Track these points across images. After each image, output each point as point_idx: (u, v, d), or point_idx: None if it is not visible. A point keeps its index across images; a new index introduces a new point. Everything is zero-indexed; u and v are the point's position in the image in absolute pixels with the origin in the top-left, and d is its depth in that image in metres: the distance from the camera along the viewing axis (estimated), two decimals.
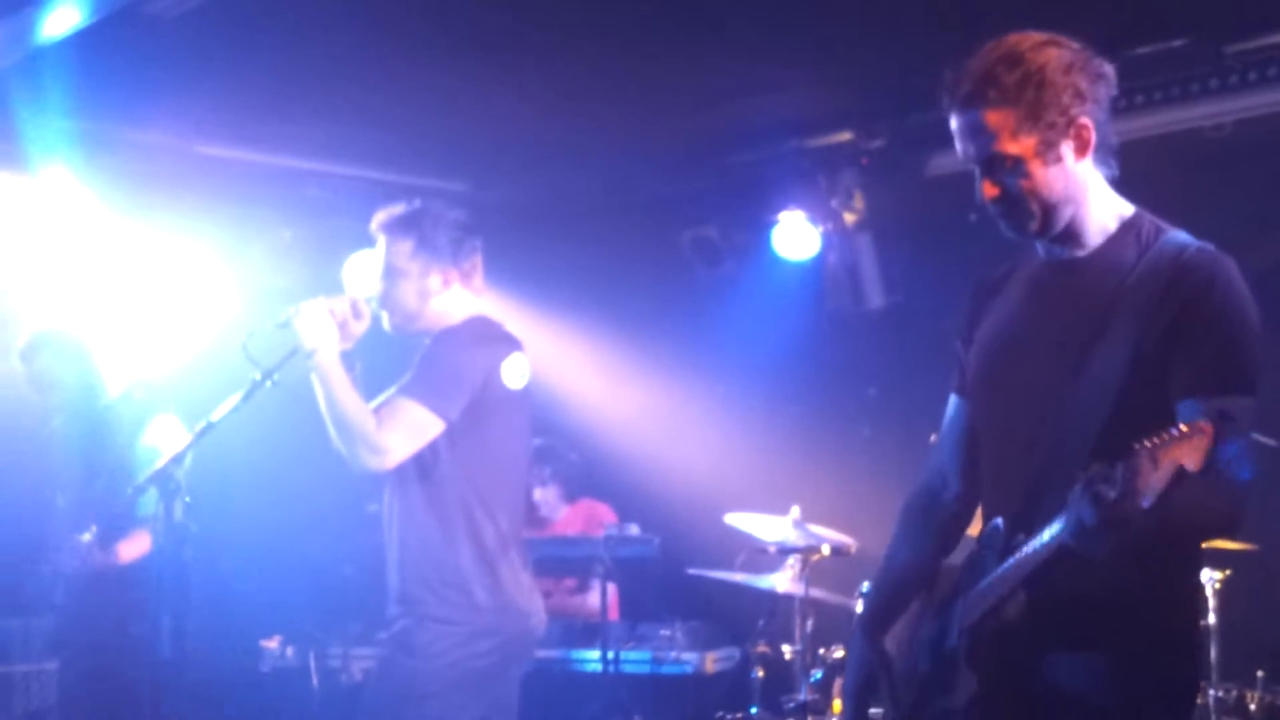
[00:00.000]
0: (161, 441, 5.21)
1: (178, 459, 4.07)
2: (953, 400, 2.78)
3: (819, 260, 6.62)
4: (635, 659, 5.86)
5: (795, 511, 5.57)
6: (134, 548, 5.03)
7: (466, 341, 3.95)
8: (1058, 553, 2.28)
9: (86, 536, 4.99)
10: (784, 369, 6.82)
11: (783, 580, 5.56)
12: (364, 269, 6.77)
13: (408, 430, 3.83)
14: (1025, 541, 2.39)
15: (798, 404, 6.89)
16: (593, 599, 6.20)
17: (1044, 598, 2.40)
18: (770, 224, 6.60)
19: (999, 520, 2.52)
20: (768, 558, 5.70)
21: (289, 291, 6.66)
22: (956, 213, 6.21)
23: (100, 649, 5.08)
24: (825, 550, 5.35)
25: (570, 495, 6.56)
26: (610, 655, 5.75)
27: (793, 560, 5.54)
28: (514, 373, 3.96)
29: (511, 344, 4.01)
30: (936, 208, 6.19)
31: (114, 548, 5.02)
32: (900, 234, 6.49)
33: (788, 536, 5.53)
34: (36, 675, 6.00)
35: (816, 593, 5.47)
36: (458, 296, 4.04)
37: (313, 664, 5.99)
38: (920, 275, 6.42)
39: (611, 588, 6.15)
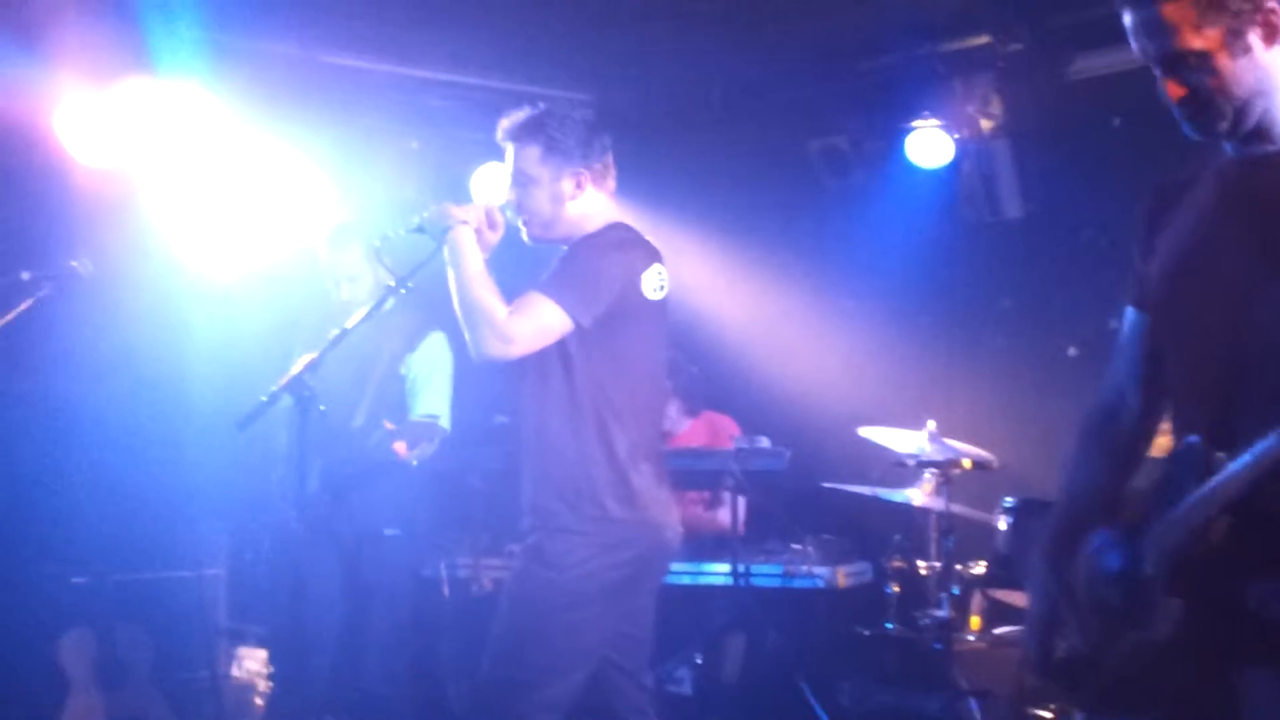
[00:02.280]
0: (431, 357, 5.31)
1: (312, 366, 4.08)
2: (1129, 313, 2.60)
3: (953, 168, 6.43)
4: (765, 573, 5.78)
5: (931, 425, 5.46)
6: (404, 449, 5.00)
7: (606, 248, 3.87)
8: (1271, 472, 2.12)
9: (390, 425, 4.96)
10: (914, 280, 6.66)
11: (919, 495, 5.46)
12: (491, 181, 6.75)
13: (537, 323, 3.75)
14: (1227, 460, 2.22)
15: (928, 316, 6.74)
16: (722, 513, 6.15)
17: (1255, 520, 2.22)
18: (902, 132, 6.41)
19: (1194, 438, 2.34)
20: (901, 472, 5.60)
21: (416, 202, 6.66)
22: (1099, 117, 6.02)
23: (347, 547, 5.14)
24: (967, 464, 5.23)
25: (692, 409, 6.50)
26: (740, 569, 5.70)
27: (928, 474, 5.43)
28: (653, 283, 3.88)
29: (651, 253, 3.92)
30: (1078, 112, 5.98)
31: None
32: (1039, 140, 6.27)
33: (924, 450, 5.43)
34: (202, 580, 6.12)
35: (955, 508, 5.35)
36: (593, 199, 3.97)
37: (443, 574, 6.03)
38: (1060, 183, 6.20)
39: (741, 501, 6.11)
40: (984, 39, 6.09)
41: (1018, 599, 5.12)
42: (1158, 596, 2.33)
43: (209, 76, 5.88)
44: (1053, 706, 4.61)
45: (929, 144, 6.35)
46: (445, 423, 5.30)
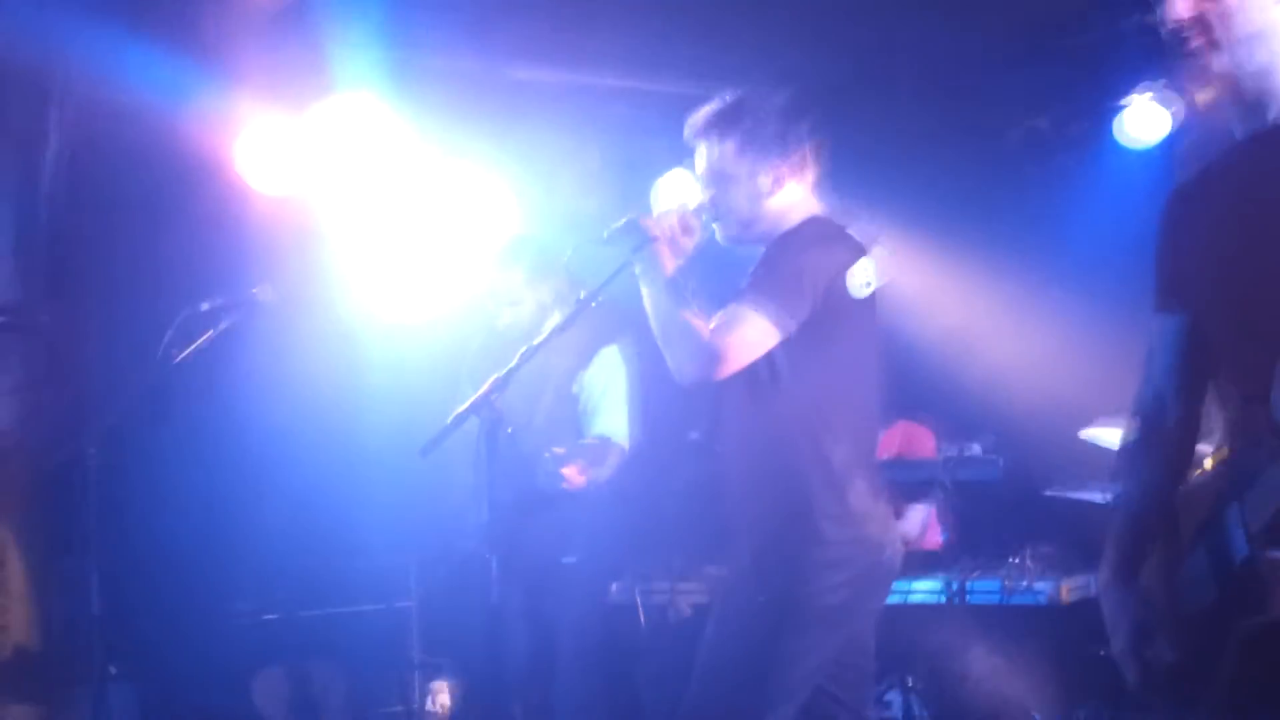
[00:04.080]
0: (606, 373, 5.08)
1: (499, 386, 3.86)
2: (1163, 321, 2.60)
3: (1168, 144, 5.98)
4: (982, 589, 5.40)
5: None
6: (577, 472, 4.81)
7: (807, 244, 3.58)
8: None
9: (559, 450, 4.75)
10: (1132, 268, 6.19)
11: None
12: (675, 189, 6.51)
13: (743, 338, 3.48)
14: None
15: (1148, 307, 6.26)
16: (906, 525, 5.77)
17: None
18: (1110, 110, 6.00)
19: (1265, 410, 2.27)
20: None
21: (598, 216, 6.46)
22: None
23: (530, 583, 4.91)
24: (1209, 464, 4.75)
25: (884, 419, 6.14)
26: (954, 585, 5.34)
27: None
28: (860, 279, 3.57)
29: (855, 248, 3.62)
30: None
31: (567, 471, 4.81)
32: None
33: None
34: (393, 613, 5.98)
35: None
36: (792, 193, 3.69)
37: (639, 600, 5.79)
38: None
39: (931, 511, 5.75)
40: None
41: None
42: (1261, 576, 2.24)
43: (390, 95, 5.76)
44: None
45: (1142, 119, 5.93)
46: (622, 440, 5.05)
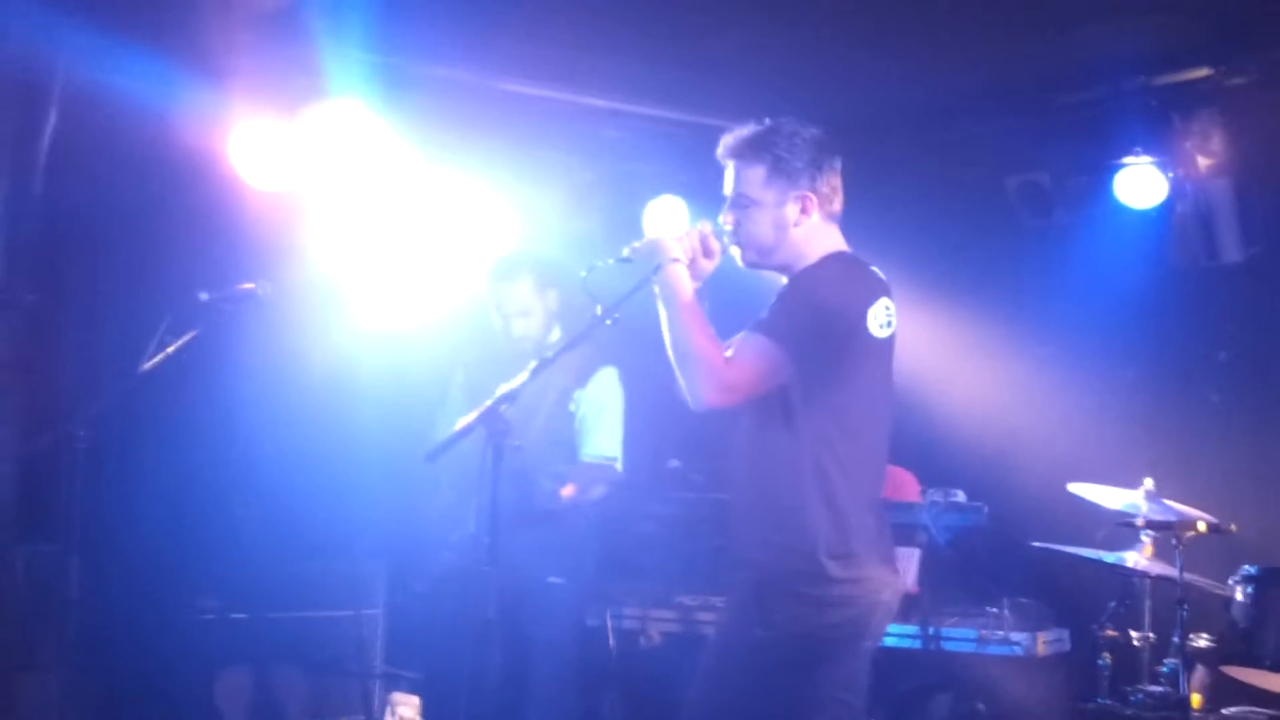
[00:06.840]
0: (602, 394, 5.09)
1: (509, 398, 3.81)
2: None
3: (1165, 209, 6.03)
4: (958, 636, 5.39)
5: (1148, 483, 5.04)
6: (571, 491, 4.86)
7: (829, 281, 3.55)
8: None
9: (561, 468, 4.81)
10: (1121, 329, 6.23)
11: (1136, 558, 5.00)
12: (666, 215, 6.51)
13: (759, 367, 3.45)
14: None
15: (1136, 367, 6.30)
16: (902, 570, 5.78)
17: None
18: (1109, 169, 6.03)
19: None
20: (1114, 533, 5.16)
21: (589, 235, 6.44)
22: None
23: (513, 598, 4.76)
24: (1202, 527, 4.74)
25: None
26: (929, 631, 5.32)
27: (1144, 536, 4.99)
28: (879, 319, 3.55)
29: (877, 287, 3.59)
30: None
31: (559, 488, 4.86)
32: (1264, 179, 5.84)
33: (1138, 509, 5.00)
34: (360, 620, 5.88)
35: (1189, 575, 4.80)
36: (817, 227, 3.66)
37: (609, 624, 5.75)
38: None
39: (915, 554, 5.74)
40: (1204, 71, 5.70)
41: (1255, 677, 4.68)
42: None
43: (382, 102, 5.73)
44: None
45: (1140, 182, 5.96)
46: (618, 463, 5.03)
